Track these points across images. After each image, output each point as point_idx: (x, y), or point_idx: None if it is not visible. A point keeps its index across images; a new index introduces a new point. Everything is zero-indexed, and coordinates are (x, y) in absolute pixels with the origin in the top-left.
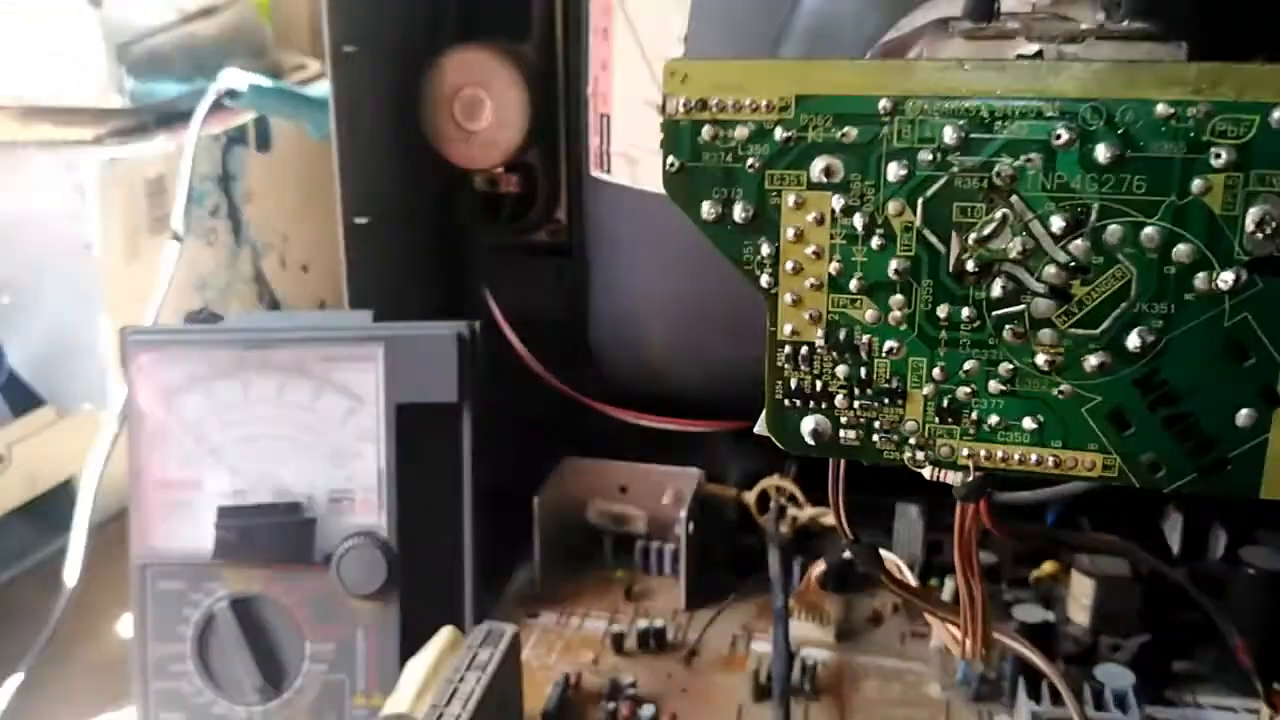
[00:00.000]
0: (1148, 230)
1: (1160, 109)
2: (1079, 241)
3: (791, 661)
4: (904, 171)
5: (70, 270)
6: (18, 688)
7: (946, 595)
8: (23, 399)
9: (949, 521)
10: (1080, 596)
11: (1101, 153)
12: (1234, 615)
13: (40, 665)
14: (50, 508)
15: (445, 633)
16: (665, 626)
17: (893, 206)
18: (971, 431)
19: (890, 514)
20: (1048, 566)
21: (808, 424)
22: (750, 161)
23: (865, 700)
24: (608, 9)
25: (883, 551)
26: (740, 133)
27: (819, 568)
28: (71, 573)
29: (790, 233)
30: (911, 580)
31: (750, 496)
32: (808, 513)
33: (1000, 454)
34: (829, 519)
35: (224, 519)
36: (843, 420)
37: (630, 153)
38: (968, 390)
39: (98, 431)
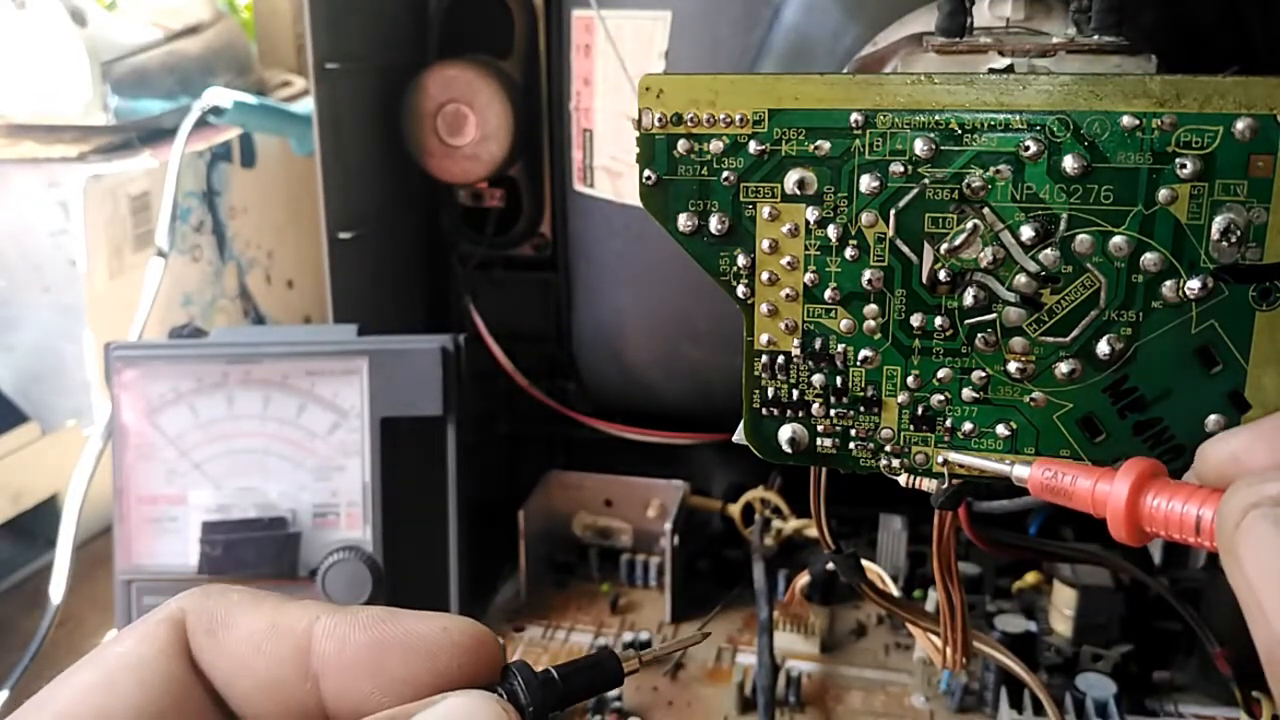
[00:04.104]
0: (1116, 239)
1: (1126, 121)
2: (1048, 251)
3: (776, 673)
4: (876, 183)
5: (54, 286)
6: (2, 705)
7: (930, 606)
8: (6, 415)
9: (932, 532)
10: (1062, 607)
11: (1069, 164)
12: (1214, 625)
13: (25, 682)
14: (35, 524)
15: None
16: (651, 639)
17: (866, 218)
18: (946, 439)
19: (874, 525)
20: (1030, 577)
21: (785, 432)
22: (725, 175)
23: (850, 711)
24: (589, 26)
25: (865, 562)
26: (715, 146)
27: (803, 580)
28: (56, 589)
29: (765, 244)
30: (894, 590)
31: (735, 509)
32: (792, 525)
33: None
34: (813, 531)
35: (208, 534)
36: (819, 429)
37: (612, 167)
38: (941, 398)
39: (82, 447)
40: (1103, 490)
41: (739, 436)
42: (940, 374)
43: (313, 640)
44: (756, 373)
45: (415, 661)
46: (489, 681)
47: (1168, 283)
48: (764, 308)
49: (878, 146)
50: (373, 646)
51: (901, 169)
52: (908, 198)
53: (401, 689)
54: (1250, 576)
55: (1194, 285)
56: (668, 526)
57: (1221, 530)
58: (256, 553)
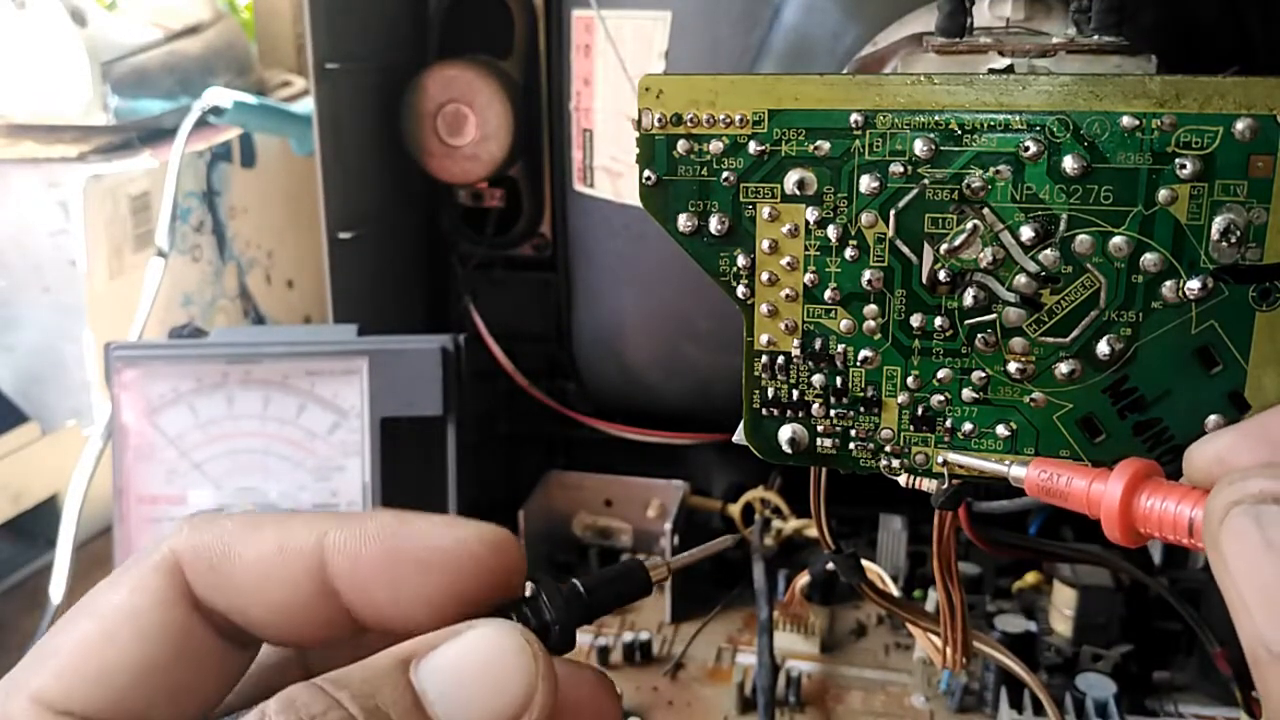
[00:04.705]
0: (1116, 240)
1: (1126, 121)
2: (1048, 251)
3: (776, 673)
4: (876, 184)
5: (54, 286)
6: None
7: (930, 606)
8: (6, 415)
9: (932, 532)
10: (1062, 607)
11: (1069, 164)
12: (1214, 625)
13: None
14: (35, 524)
15: None
16: (651, 639)
17: (865, 218)
18: (946, 439)
19: (874, 525)
20: (1030, 577)
21: (784, 433)
22: (725, 175)
23: (850, 711)
24: (589, 26)
25: (865, 562)
26: (715, 147)
27: (803, 580)
28: (56, 589)
29: (765, 244)
30: (894, 590)
31: (735, 509)
32: (792, 525)
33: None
34: (813, 531)
35: None
36: (819, 429)
37: (612, 167)
38: (941, 398)
39: (82, 447)
40: (1097, 491)
41: (739, 437)
42: (940, 374)
43: (324, 554)
44: (756, 373)
45: (432, 577)
46: (512, 598)
47: (1168, 283)
48: (764, 308)
49: (877, 147)
50: (386, 562)
51: (901, 169)
52: (907, 198)
53: (421, 605)
54: (1234, 573)
55: (1194, 285)
56: (668, 526)
57: (1207, 529)
58: None
